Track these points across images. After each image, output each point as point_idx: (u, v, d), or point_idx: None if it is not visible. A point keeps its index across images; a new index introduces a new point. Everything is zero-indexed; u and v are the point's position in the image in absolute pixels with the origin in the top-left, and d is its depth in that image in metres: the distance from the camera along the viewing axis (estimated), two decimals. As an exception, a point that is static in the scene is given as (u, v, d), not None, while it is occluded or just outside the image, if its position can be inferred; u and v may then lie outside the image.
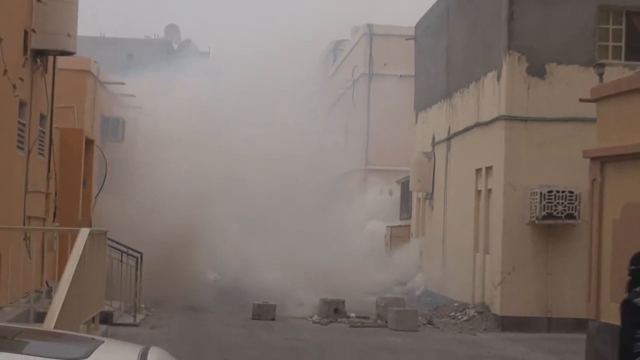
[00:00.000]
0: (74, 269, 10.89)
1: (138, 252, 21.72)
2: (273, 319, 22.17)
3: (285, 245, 32.18)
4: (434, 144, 29.01)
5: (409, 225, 32.51)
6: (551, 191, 21.45)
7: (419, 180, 29.24)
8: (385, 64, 42.62)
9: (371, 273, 32.00)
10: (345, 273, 31.62)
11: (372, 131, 42.34)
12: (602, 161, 16.53)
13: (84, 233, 12.13)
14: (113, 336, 17.90)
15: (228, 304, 24.91)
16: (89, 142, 21.15)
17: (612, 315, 15.60)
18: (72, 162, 19.49)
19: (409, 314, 21.75)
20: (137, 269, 20.41)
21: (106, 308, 19.57)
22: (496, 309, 22.11)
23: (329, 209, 36.35)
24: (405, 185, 32.53)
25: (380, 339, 19.91)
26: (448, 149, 27.35)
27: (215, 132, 29.45)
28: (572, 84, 21.74)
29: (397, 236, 32.72)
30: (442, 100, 28.21)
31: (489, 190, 23.44)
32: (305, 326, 21.55)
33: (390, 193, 36.13)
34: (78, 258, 11.12)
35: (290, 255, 31.85)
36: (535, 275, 21.92)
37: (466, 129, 25.36)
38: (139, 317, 20.69)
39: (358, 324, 22.10)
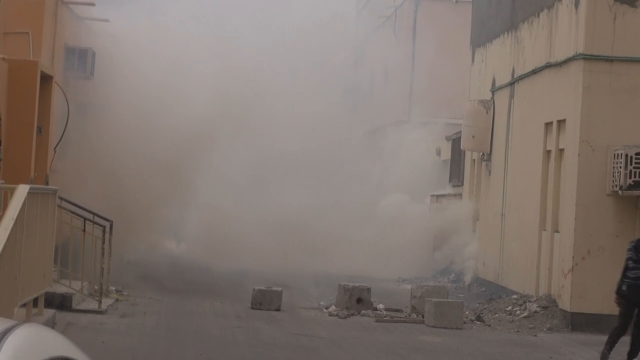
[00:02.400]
0: (6, 237, 10.77)
1: (107, 220, 21.65)
2: (278, 309, 22.10)
3: (299, 215, 32.39)
4: (493, 89, 28.79)
5: (459, 195, 32.31)
6: (640, 153, 21.19)
7: (473, 137, 29.03)
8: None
9: (409, 254, 32.04)
10: (376, 252, 31.74)
11: (418, 73, 42.00)
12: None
13: (21, 191, 12.00)
14: (70, 325, 17.94)
15: (223, 288, 24.91)
16: (46, 78, 20.95)
17: None
18: (23, 102, 19.30)
19: (452, 307, 21.62)
20: (103, 242, 20.29)
21: (62, 290, 19.65)
22: (565, 304, 21.96)
23: (359, 172, 36.38)
24: (457, 142, 32.27)
25: (413, 337, 19.83)
26: (511, 97, 27.11)
27: (213, 70, 29.44)
28: (671, 13, 21.50)
29: (444, 208, 32.49)
30: (506, 33, 27.94)
31: (561, 151, 23.21)
32: (318, 319, 21.48)
33: (438, 153, 35.88)
34: (12, 223, 11.00)
35: (304, 228, 32.07)
36: (616, 262, 21.61)
37: (534, 71, 25.10)
38: (106, 302, 20.67)
39: (386, 318, 21.98)
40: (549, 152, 24.02)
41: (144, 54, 26.62)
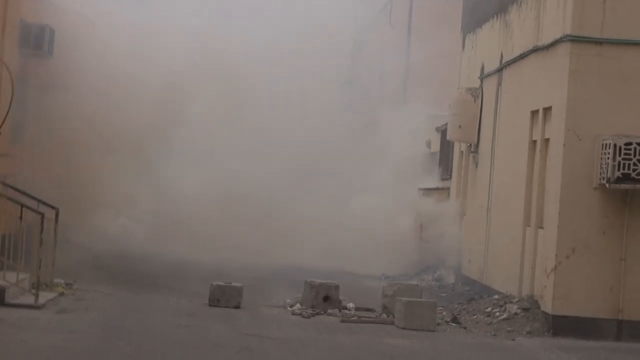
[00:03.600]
0: None
1: (53, 208, 20.18)
2: (237, 307, 20.47)
3: (280, 204, 30.96)
4: (482, 76, 27.09)
5: (448, 188, 30.67)
6: (630, 143, 19.49)
7: (459, 127, 27.37)
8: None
9: (394, 250, 30.53)
10: (359, 247, 30.17)
11: (413, 63, 40.42)
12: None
13: None
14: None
15: (183, 282, 23.40)
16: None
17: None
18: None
19: (424, 308, 19.93)
20: (41, 231, 18.69)
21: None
22: (547, 306, 20.29)
23: (348, 166, 34.89)
24: (446, 134, 30.59)
25: (378, 340, 18.13)
26: (499, 84, 25.43)
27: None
28: (666, -7, 19.85)
29: (431, 202, 30.86)
30: (495, 17, 26.28)
31: (547, 141, 21.52)
32: (279, 318, 19.81)
33: (429, 145, 34.20)
34: None
35: (284, 217, 30.62)
36: (603, 261, 20.04)
37: (522, 56, 23.40)
38: (48, 296, 19.11)
39: (353, 318, 20.33)
40: (534, 142, 22.34)
41: (108, 31, 25.06)
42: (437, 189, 31.50)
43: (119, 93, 25.45)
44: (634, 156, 19.47)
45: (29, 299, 18.31)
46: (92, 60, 24.48)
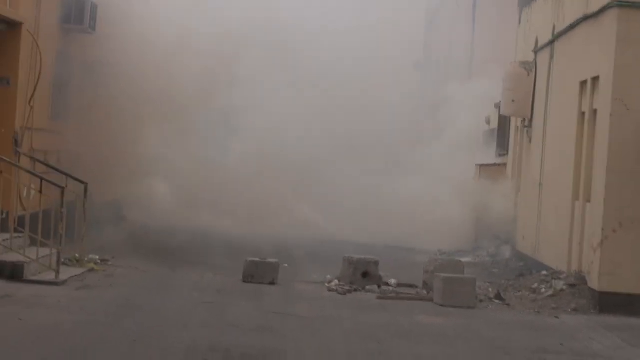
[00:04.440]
0: None
1: (82, 182, 18.63)
2: (272, 283, 18.72)
3: (336, 180, 29.35)
4: (536, 50, 25.01)
5: (505, 164, 28.61)
6: (680, 112, 17.46)
7: (513, 101, 25.36)
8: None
9: (451, 225, 28.62)
10: (415, 223, 28.37)
11: (479, 40, 38.27)
12: None
13: None
14: (4, 298, 14.82)
15: (229, 257, 21.74)
16: (14, 25, 17.87)
17: None
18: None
19: (463, 284, 18.07)
20: (62, 205, 17.06)
21: (15, 258, 16.55)
22: (593, 282, 18.29)
23: (409, 140, 33.12)
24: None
25: (409, 318, 16.30)
26: (551, 56, 23.36)
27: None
28: None
29: (489, 178, 28.81)
30: (549, -11, 24.20)
31: (595, 112, 19.48)
32: (312, 295, 18.02)
33: (488, 121, 32.10)
34: None
35: (341, 193, 29.00)
36: (652, 236, 18.03)
37: (572, 26, 21.34)
38: (73, 272, 17.57)
39: (391, 295, 18.49)
40: (583, 114, 20.31)
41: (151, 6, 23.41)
42: (494, 164, 29.47)
43: (163, 63, 23.66)
44: (684, 125, 17.46)
45: (51, 276, 16.72)
46: (135, 33, 22.68)
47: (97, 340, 12.56)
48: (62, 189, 17.01)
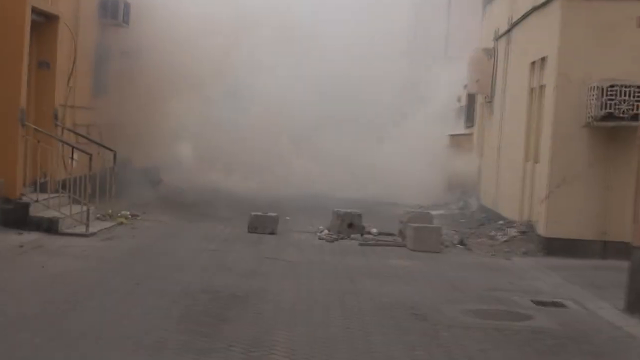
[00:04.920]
0: None
1: (111, 150, 17.40)
2: (272, 233, 17.45)
3: (338, 149, 28.00)
4: (495, 38, 23.53)
5: (471, 134, 27.22)
6: (614, 85, 16.03)
7: (477, 81, 23.94)
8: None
9: (427, 185, 27.19)
10: (400, 182, 26.97)
11: (454, 29, 36.63)
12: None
13: None
14: (38, 247, 13.61)
15: (241, 211, 20.46)
16: (52, 18, 16.57)
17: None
18: (12, 35, 14.92)
19: (430, 232, 16.76)
20: (90, 168, 15.84)
21: (51, 214, 15.33)
22: (541, 229, 16.95)
23: (394, 113, 31.59)
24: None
25: (383, 261, 15.02)
26: (508, 43, 21.90)
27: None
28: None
29: (459, 145, 27.45)
30: (506, -13, 22.71)
31: (542, 87, 18.07)
32: (304, 243, 16.75)
33: (459, 100, 30.63)
34: None
35: (340, 156, 27.66)
36: (590, 190, 16.63)
37: (524, 16, 19.89)
38: (103, 225, 16.35)
39: (370, 242, 17.21)
40: (532, 89, 18.91)
41: (175, 4, 22.03)
42: (463, 134, 28.07)
43: (186, 44, 22.32)
44: (618, 97, 16.04)
45: (82, 229, 15.48)
46: (161, 23, 21.36)
47: (103, 284, 11.33)
48: (90, 156, 15.76)
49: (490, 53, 23.62)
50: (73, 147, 15.79)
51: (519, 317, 10.92)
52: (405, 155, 28.67)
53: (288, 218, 19.96)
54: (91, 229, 15.44)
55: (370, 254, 15.76)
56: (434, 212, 23.50)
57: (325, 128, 28.67)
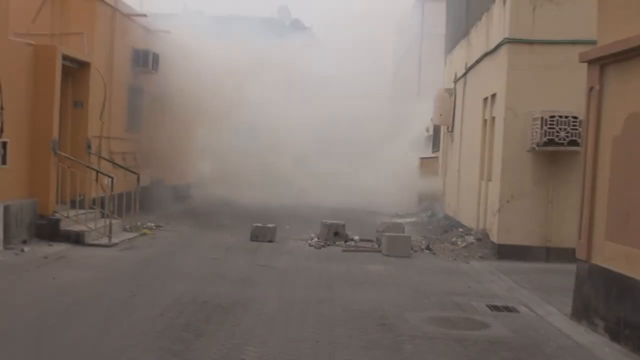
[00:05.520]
0: None
1: (134, 173, 15.35)
2: (271, 241, 15.37)
3: (332, 169, 25.97)
4: (455, 80, 21.44)
5: (437, 157, 25.07)
6: (553, 116, 13.92)
7: (440, 115, 21.76)
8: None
9: (403, 197, 25.09)
10: (380, 194, 24.90)
11: (424, 71, 34.62)
12: (602, 63, 9.02)
13: None
14: (60, 258, 11.55)
15: (249, 221, 18.44)
16: (84, 64, 14.58)
17: (607, 256, 8.24)
18: (43, 78, 12.93)
19: (401, 240, 14.62)
20: (111, 189, 13.81)
21: (79, 228, 13.28)
22: (494, 237, 14.80)
23: (377, 141, 29.62)
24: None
25: (360, 267, 12.89)
26: (465, 84, 19.78)
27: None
28: (580, 3, 14.09)
29: (427, 166, 25.31)
30: (462, 40, 20.59)
31: (493, 119, 15.96)
32: (296, 250, 14.64)
33: (427, 130, 28.50)
34: None
35: (335, 176, 25.63)
36: (535, 204, 14.48)
37: (477, 61, 17.78)
38: (127, 236, 14.28)
39: (352, 248, 15.10)
40: (485, 120, 16.79)
41: (193, 54, 20.01)
42: (430, 157, 25.91)
43: (207, 84, 20.37)
44: (557, 126, 13.95)
45: (106, 240, 13.43)
46: (185, 71, 19.35)
47: (103, 295, 9.24)
48: (112, 178, 13.73)
49: (451, 92, 21.54)
50: (97, 172, 13.74)
51: (477, 326, 8.80)
52: (385, 174, 26.75)
53: (288, 227, 17.91)
54: (114, 240, 13.40)
55: (351, 260, 13.65)
56: (406, 220, 21.52)
57: (321, 153, 26.69)
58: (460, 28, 21.19)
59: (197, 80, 19.37)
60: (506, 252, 14.40)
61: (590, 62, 9.17)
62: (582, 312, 8.98)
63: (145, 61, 18.06)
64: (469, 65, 19.08)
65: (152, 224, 16.04)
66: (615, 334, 8.12)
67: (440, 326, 8.58)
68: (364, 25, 36.41)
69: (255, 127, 25.51)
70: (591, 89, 9.18)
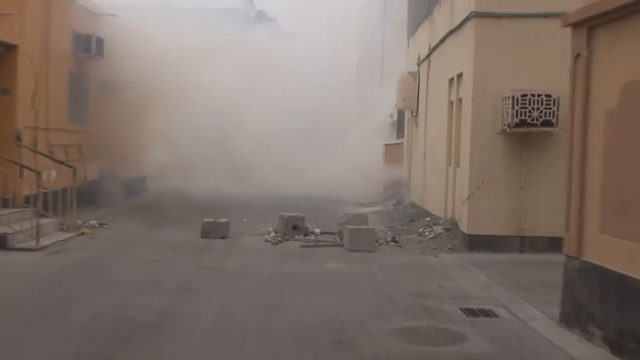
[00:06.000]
0: None
1: (71, 167, 13.43)
2: (223, 237, 13.58)
3: (296, 157, 24.23)
4: (418, 63, 19.76)
5: (402, 143, 23.41)
6: (525, 95, 12.31)
7: (404, 99, 20.08)
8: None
9: (368, 185, 23.43)
10: (342, 188, 23.20)
11: (388, 58, 32.89)
12: (590, 26, 7.37)
13: None
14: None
15: (209, 214, 16.66)
16: (11, 48, 12.62)
17: (603, 252, 6.60)
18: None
19: (365, 234, 12.93)
20: (37, 185, 11.89)
21: (2, 230, 11.37)
22: (463, 227, 13.18)
23: (342, 128, 27.95)
24: (401, 109, 23.22)
25: (322, 265, 11.18)
26: (429, 66, 18.11)
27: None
28: (552, -29, 12.49)
29: (392, 153, 23.64)
30: (425, 20, 18.92)
31: (460, 100, 14.33)
32: (250, 247, 12.86)
33: (392, 116, 26.82)
34: None
35: (298, 164, 23.90)
36: (507, 190, 12.88)
37: (442, 40, 16.13)
38: (61, 237, 12.39)
39: (311, 244, 13.38)
40: (452, 102, 15.15)
41: (144, 39, 18.05)
42: (395, 144, 24.24)
43: (161, 77, 18.42)
44: (529, 105, 12.34)
45: (33, 243, 11.53)
46: (138, 60, 17.39)
47: (9, 311, 7.49)
48: (38, 173, 11.82)
49: (415, 75, 19.86)
50: (21, 166, 11.82)
51: (451, 338, 7.15)
52: (349, 162, 25.05)
53: (245, 220, 16.16)
54: (44, 242, 11.53)
55: (309, 257, 11.94)
56: (371, 209, 19.89)
57: (285, 141, 24.95)
58: (422, 9, 19.51)
59: (152, 65, 17.42)
60: (477, 243, 12.81)
61: (576, 26, 7.52)
62: (572, 317, 7.38)
63: (88, 46, 16.09)
64: (432, 46, 17.43)
65: (95, 222, 14.16)
66: (617, 347, 6.52)
67: (407, 341, 6.92)
68: (329, 14, 34.82)
69: (216, 115, 23.60)
70: (577, 56, 7.53)
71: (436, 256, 12.40)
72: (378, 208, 20.55)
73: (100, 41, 16.53)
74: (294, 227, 14.02)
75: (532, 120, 12.29)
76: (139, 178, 20.82)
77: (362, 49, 39.86)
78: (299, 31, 35.11)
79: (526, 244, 12.83)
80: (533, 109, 12.32)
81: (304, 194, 22.31)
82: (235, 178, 22.04)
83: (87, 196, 16.06)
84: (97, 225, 14.01)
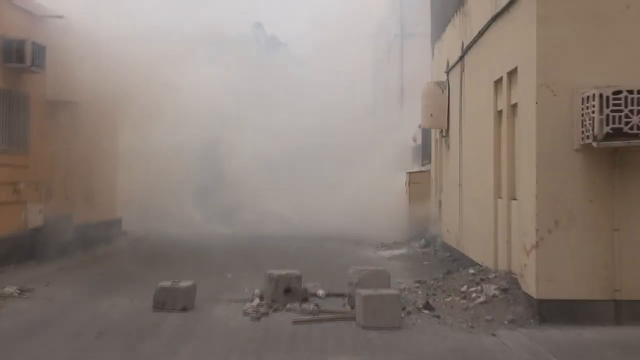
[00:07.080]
0: None
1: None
2: (185, 309, 9.40)
3: (306, 193, 20.53)
4: (447, 70, 15.69)
5: (429, 171, 19.24)
6: (619, 92, 8.16)
7: (431, 115, 15.99)
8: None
9: (389, 223, 19.32)
10: (359, 226, 19.12)
11: (407, 82, 29.07)
12: None
13: None
14: None
15: (186, 265, 12.61)
16: None
17: None
18: None
19: (385, 302, 8.66)
20: None
21: None
22: (530, 288, 8.93)
23: (359, 155, 24.30)
24: (427, 129, 19.14)
25: (317, 360, 7.02)
26: (462, 70, 14.02)
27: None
28: None
29: (417, 182, 19.41)
30: (454, 15, 14.88)
31: (513, 107, 10.18)
32: (217, 328, 8.63)
33: (414, 140, 22.74)
34: None
35: (309, 203, 20.17)
36: (593, 234, 8.63)
37: (481, 33, 12.05)
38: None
39: (308, 318, 9.15)
40: (500, 112, 10.99)
41: (99, 46, 14.12)
42: (420, 171, 20.05)
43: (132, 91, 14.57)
44: (627, 107, 8.14)
45: None
46: (101, 71, 13.44)
47: None
48: None
49: (444, 85, 15.78)
50: None
51: None
52: (367, 196, 21.10)
53: (229, 276, 12.11)
54: None
55: (303, 344, 7.75)
56: (394, 252, 15.85)
57: (291, 168, 21.40)
58: (449, 3, 15.48)
59: (119, 79, 13.49)
60: (551, 312, 8.61)
61: None
62: None
63: (21, 54, 12.18)
64: (466, 42, 13.35)
65: (14, 289, 10.08)
66: None
67: None
68: (340, 34, 31.55)
69: (209, 146, 19.92)
70: None
71: (493, 335, 8.16)
72: (402, 251, 16.43)
73: (39, 48, 12.63)
74: (286, 291, 9.83)
75: (632, 128, 8.11)
76: (110, 221, 16.81)
77: (377, 70, 36.19)
78: (310, 55, 32.17)
79: (624, 311, 8.59)
80: (632, 112, 8.15)
81: (315, 234, 18.56)
82: (240, 220, 18.22)
83: (26, 248, 12.12)
84: (16, 294, 9.93)
